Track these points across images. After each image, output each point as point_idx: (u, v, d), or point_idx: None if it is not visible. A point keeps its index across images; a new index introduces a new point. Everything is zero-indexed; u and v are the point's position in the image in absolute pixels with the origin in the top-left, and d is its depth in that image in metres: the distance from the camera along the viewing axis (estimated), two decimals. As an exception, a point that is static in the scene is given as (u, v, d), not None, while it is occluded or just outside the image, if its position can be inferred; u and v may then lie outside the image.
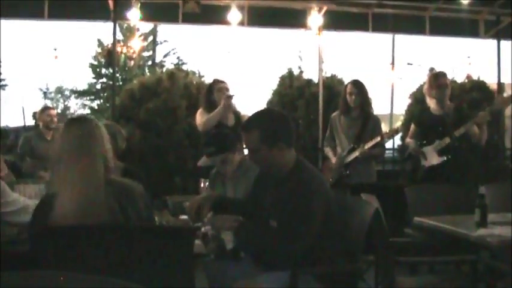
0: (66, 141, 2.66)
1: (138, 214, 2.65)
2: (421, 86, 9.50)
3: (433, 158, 5.38)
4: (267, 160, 3.09)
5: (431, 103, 5.50)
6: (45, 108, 7.16)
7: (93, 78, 30.33)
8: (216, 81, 5.92)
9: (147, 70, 28.96)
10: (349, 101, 5.82)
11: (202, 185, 4.32)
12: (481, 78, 9.75)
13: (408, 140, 5.76)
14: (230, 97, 5.66)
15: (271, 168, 3.15)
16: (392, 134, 6.07)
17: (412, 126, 5.77)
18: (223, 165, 4.08)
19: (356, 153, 5.70)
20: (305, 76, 9.52)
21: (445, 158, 5.30)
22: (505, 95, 5.36)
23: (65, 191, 2.57)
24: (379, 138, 5.64)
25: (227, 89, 5.75)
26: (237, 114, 5.84)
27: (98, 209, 2.56)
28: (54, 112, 7.11)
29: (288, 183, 3.02)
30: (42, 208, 2.65)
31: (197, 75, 10.36)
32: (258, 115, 3.20)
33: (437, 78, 5.44)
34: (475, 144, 5.28)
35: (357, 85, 5.85)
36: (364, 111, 5.86)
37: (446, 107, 5.38)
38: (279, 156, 3.05)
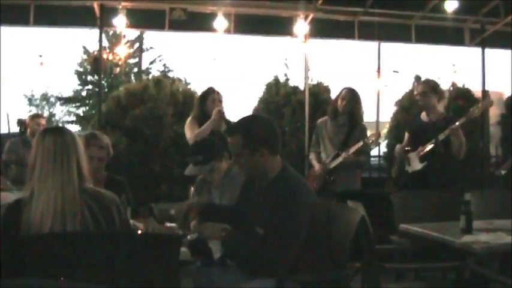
0: (40, 150, 2.70)
1: (110, 223, 2.68)
2: (407, 94, 9.60)
3: (415, 163, 5.41)
4: (249, 165, 3.10)
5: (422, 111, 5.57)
6: (35, 116, 7.10)
7: (79, 85, 30.18)
8: (211, 91, 5.73)
9: (133, 77, 28.87)
10: (339, 105, 5.80)
11: (192, 191, 4.31)
12: (466, 86, 9.84)
13: (397, 146, 5.80)
14: (222, 113, 5.47)
15: (255, 173, 3.16)
16: (376, 138, 6.07)
17: (406, 134, 5.80)
18: (210, 174, 4.07)
19: (340, 159, 5.69)
20: (291, 83, 9.56)
21: (426, 164, 5.33)
22: (480, 105, 5.36)
23: (38, 199, 2.61)
24: (361, 143, 5.64)
25: (220, 101, 5.62)
26: (228, 123, 5.76)
27: (71, 217, 2.60)
28: (43, 121, 7.05)
29: (273, 191, 3.03)
30: (11, 215, 2.65)
31: (183, 82, 10.35)
32: (243, 120, 3.22)
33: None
34: (453, 154, 5.30)
35: (352, 93, 5.85)
36: (352, 119, 5.84)
37: (435, 115, 5.41)
38: (262, 162, 3.06)
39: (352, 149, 5.62)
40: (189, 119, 5.73)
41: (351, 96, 5.80)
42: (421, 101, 5.47)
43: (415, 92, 5.59)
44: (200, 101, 5.77)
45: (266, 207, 3.00)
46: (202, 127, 5.48)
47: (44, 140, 2.72)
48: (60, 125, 31.27)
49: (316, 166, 5.90)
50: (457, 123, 5.16)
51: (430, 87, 5.47)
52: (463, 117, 5.18)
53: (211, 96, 5.66)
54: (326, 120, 6.01)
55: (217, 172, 4.04)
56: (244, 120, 3.23)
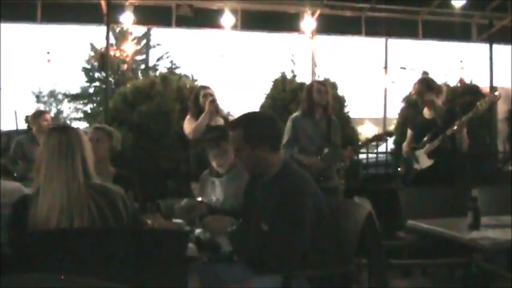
0: (45, 149, 2.76)
1: (117, 217, 2.72)
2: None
3: (424, 160, 5.40)
4: (249, 160, 3.12)
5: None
6: (40, 113, 7.10)
7: (86, 82, 30.26)
8: (201, 88, 6.14)
9: (140, 74, 28.92)
10: (318, 99, 5.67)
11: (193, 187, 4.35)
12: (474, 82, 9.79)
13: (404, 144, 5.78)
14: (213, 101, 5.76)
15: (255, 168, 3.18)
16: (376, 138, 6.08)
17: (409, 131, 5.78)
18: (223, 154, 4.07)
19: (336, 155, 5.63)
20: (298, 80, 9.53)
21: (434, 161, 5.32)
22: (486, 98, 5.35)
23: (44, 196, 2.67)
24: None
25: (211, 94, 5.87)
26: (225, 118, 5.90)
27: (77, 213, 2.65)
28: (48, 117, 7.06)
29: (276, 187, 3.03)
30: (18, 212, 2.72)
31: (190, 78, 10.34)
32: (246, 115, 3.24)
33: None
34: (458, 149, 5.30)
35: (324, 84, 5.88)
36: (326, 112, 5.75)
37: (437, 110, 5.40)
38: (262, 157, 3.07)
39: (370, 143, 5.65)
40: (187, 117, 6.05)
41: (326, 88, 5.78)
42: (419, 100, 5.51)
43: (412, 92, 5.61)
44: (194, 100, 6.04)
45: (270, 204, 3.00)
46: (198, 120, 5.75)
47: (49, 138, 2.78)
48: (68, 122, 31.46)
49: (313, 162, 5.56)
50: (464, 118, 5.16)
51: (426, 85, 5.48)
52: (470, 112, 5.18)
53: (201, 92, 5.98)
54: (299, 116, 5.83)
55: (229, 155, 4.03)
56: (246, 115, 3.25)
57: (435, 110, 5.38)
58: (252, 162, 3.12)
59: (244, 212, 3.34)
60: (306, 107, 5.77)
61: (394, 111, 10.16)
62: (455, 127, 5.15)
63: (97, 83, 29.77)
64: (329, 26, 8.80)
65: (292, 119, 5.84)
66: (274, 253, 2.88)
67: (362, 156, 8.96)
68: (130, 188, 3.68)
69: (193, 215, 3.51)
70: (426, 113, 5.51)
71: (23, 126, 7.52)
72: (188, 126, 5.92)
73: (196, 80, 9.95)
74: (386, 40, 9.79)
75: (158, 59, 31.38)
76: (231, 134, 3.18)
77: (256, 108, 9.21)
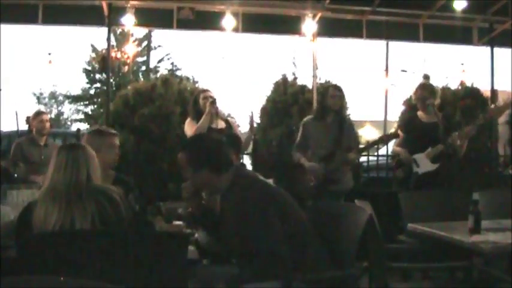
0: (53, 163, 2.98)
1: (118, 212, 2.87)
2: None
3: (426, 164, 5.38)
4: (193, 180, 3.22)
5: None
6: (38, 114, 7.11)
7: (87, 83, 30.24)
8: (201, 91, 6.15)
9: (141, 76, 28.92)
10: (331, 104, 5.73)
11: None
12: (475, 85, 9.79)
13: (397, 148, 5.75)
14: (213, 102, 5.75)
15: (200, 188, 3.29)
16: (381, 141, 6.09)
17: (400, 133, 5.76)
18: None
19: (343, 158, 5.62)
20: (299, 82, 9.53)
21: (439, 165, 5.32)
22: (495, 104, 5.39)
23: (45, 199, 2.85)
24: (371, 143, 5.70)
25: (211, 97, 5.86)
26: (226, 120, 5.94)
27: (79, 216, 2.79)
28: (46, 117, 7.06)
29: (225, 205, 3.16)
30: (24, 217, 2.89)
31: (191, 81, 10.35)
32: (192, 138, 3.40)
33: None
34: (453, 154, 5.32)
35: (340, 89, 5.88)
36: (339, 116, 5.80)
37: (436, 115, 5.40)
38: (205, 179, 3.17)
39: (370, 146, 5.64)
40: (187, 121, 6.04)
41: (341, 92, 5.82)
42: (420, 105, 5.51)
43: (414, 97, 5.63)
44: (193, 103, 6.05)
45: (227, 219, 3.13)
46: (199, 123, 5.72)
47: (58, 155, 2.99)
48: (69, 123, 31.48)
49: (315, 168, 5.54)
50: (473, 124, 5.20)
51: (428, 91, 5.52)
52: (480, 118, 5.22)
53: (201, 95, 5.98)
54: (311, 120, 5.91)
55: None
56: (192, 138, 3.40)
57: (435, 114, 5.38)
58: (197, 183, 3.22)
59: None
60: (318, 111, 5.89)
61: (395, 113, 10.17)
62: (466, 131, 5.17)
63: (98, 85, 29.75)
64: (330, 28, 8.79)
65: (303, 123, 5.97)
66: (251, 266, 2.92)
67: (363, 159, 8.95)
68: (130, 191, 3.69)
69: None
70: (423, 117, 5.51)
71: (24, 127, 7.49)
72: (189, 129, 5.89)
73: (197, 82, 9.99)
74: (387, 43, 9.79)
75: (159, 61, 31.40)
76: (178, 155, 3.26)
77: (258, 111, 9.25)
